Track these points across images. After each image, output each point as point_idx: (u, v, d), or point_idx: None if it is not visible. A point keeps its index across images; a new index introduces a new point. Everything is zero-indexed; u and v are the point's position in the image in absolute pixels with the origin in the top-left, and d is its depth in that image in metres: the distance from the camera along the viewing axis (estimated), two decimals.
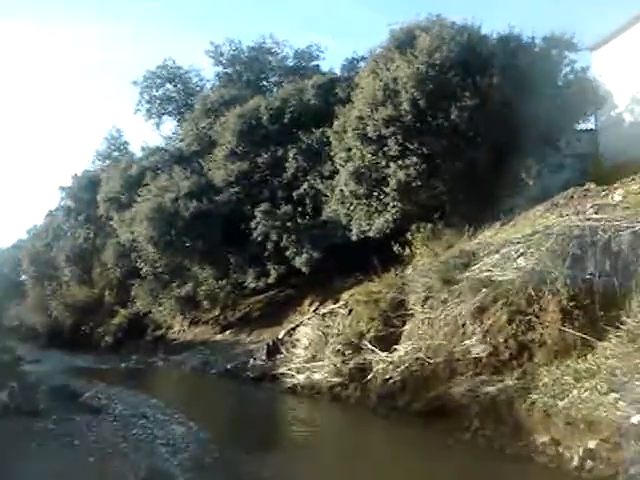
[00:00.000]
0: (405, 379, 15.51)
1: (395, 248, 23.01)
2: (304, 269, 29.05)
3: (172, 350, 34.95)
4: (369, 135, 22.84)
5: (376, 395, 16.29)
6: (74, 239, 48.83)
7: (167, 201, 33.18)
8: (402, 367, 15.62)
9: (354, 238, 25.65)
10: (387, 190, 23.00)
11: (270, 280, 30.81)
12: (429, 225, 23.05)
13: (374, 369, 16.91)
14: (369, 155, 23.21)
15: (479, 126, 22.03)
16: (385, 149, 22.67)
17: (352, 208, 25.37)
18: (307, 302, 30.71)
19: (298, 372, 20.49)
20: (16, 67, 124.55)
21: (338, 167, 26.16)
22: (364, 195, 24.24)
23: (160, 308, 37.29)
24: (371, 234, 24.80)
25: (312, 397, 19.28)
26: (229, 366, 25.88)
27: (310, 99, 31.80)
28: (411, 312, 17.06)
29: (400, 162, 22.35)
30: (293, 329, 23.65)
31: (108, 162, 47.59)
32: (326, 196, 28.54)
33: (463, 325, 14.56)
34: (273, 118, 32.36)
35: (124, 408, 17.31)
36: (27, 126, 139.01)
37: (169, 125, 54.56)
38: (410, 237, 23.23)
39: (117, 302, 43.89)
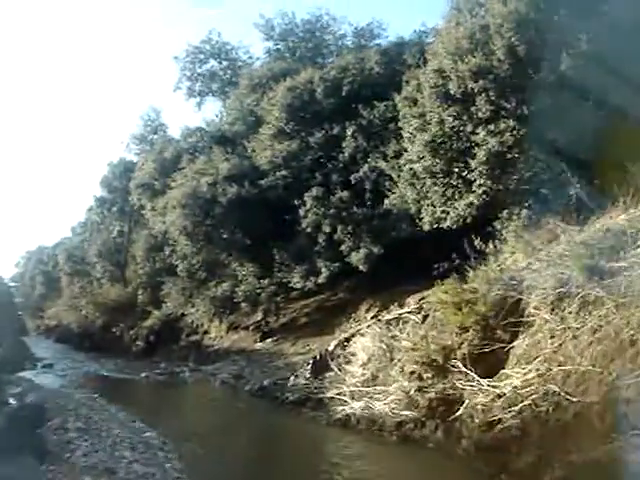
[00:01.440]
0: (526, 424, 10.41)
1: (477, 242, 18.11)
2: (362, 267, 24.49)
3: (205, 359, 30.62)
4: (451, 92, 18.02)
5: (472, 443, 11.25)
6: (107, 233, 45.12)
7: (203, 185, 29.19)
8: (520, 404, 10.48)
9: (426, 227, 20.80)
10: (473, 164, 18.04)
11: (320, 280, 26.18)
12: (524, 211, 18.00)
13: (468, 402, 11.88)
14: (450, 119, 18.40)
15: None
16: (472, 110, 17.83)
17: (425, 190, 20.47)
18: (364, 307, 26.11)
19: (353, 398, 15.60)
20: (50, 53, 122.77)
21: (407, 143, 21.54)
22: (442, 172, 19.38)
23: (193, 310, 32.88)
24: (448, 223, 19.95)
25: (372, 434, 14.31)
26: (266, 382, 21.19)
27: (373, 68, 27.56)
28: (529, 320, 11.91)
29: (491, 126, 17.42)
30: (347, 340, 18.79)
31: (144, 146, 43.51)
32: (390, 180, 24.11)
33: (633, 342, 9.33)
34: (329, 91, 28.32)
35: (93, 449, 12.42)
36: (71, 117, 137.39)
37: (212, 107, 50.01)
38: (499, 227, 18.23)
39: (150, 302, 39.72)
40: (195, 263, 32.15)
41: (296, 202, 26.83)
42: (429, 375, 13.02)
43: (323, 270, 25.94)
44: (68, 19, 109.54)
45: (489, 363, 12.11)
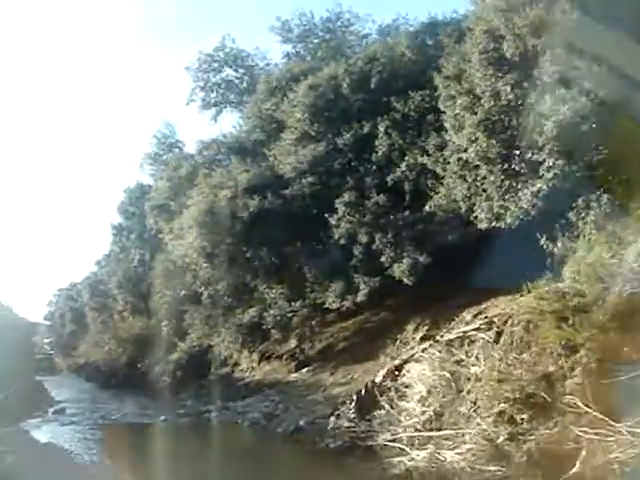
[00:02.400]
0: None
1: (543, 241, 15.01)
2: (406, 280, 21.31)
3: (234, 394, 27.51)
4: (507, 56, 14.73)
5: None
6: (128, 262, 42.32)
7: (221, 200, 26.33)
8: None
9: (483, 226, 17.50)
10: (540, 141, 14.65)
11: (359, 298, 22.96)
12: (604, 196, 14.69)
13: (592, 456, 8.37)
14: (507, 89, 15.15)
15: None
16: (534, 75, 14.45)
17: (479, 182, 17.20)
18: (411, 327, 22.98)
19: (413, 445, 12.21)
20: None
21: (452, 132, 18.54)
22: (499, 157, 16.10)
23: (219, 340, 29.73)
24: (508, 220, 16.68)
25: None
26: (302, 422, 17.97)
27: (404, 54, 24.70)
28: None
29: (561, 91, 14.06)
30: (398, 368, 15.39)
31: (159, 166, 40.63)
32: (434, 177, 21.09)
33: None
34: (355, 85, 25.54)
35: None
36: (88, 145, 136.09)
37: (230, 119, 46.85)
38: (574, 218, 14.93)
39: (175, 334, 36.59)
40: (219, 288, 29.07)
41: (326, 212, 23.76)
42: (524, 416, 9.57)
43: (362, 287, 22.71)
44: (74, 34, 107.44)
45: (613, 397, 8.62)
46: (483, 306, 18.17)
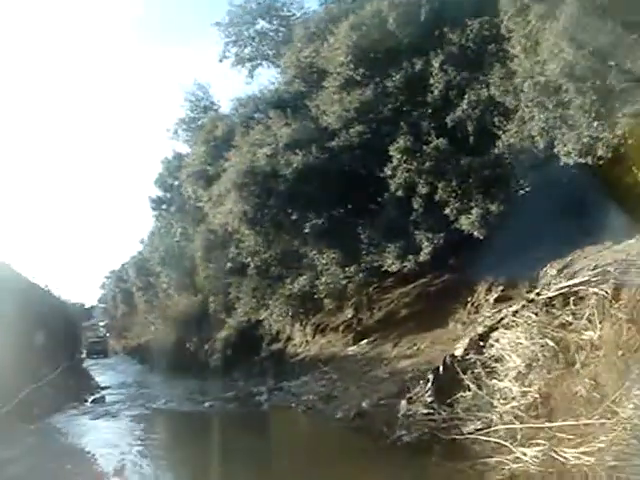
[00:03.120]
0: None
1: None
2: (477, 232, 18.71)
3: (288, 372, 25.51)
4: None
5: None
6: (170, 237, 40.25)
7: (261, 159, 23.99)
8: None
9: (569, 160, 14.78)
10: None
11: (422, 257, 20.33)
12: None
13: None
14: None
15: None
16: None
17: (563, 107, 14.34)
18: (482, 288, 20.23)
19: (514, 438, 9.46)
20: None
21: (522, 54, 15.67)
22: (591, 72, 13.13)
23: (266, 313, 27.44)
24: (599, 152, 13.98)
25: None
26: (365, 405, 15.43)
27: None
28: None
29: None
30: (483, 337, 12.56)
31: (195, 131, 38.11)
32: (502, 113, 18.23)
33: None
34: (403, 19, 22.48)
35: None
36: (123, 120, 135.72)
37: (267, 76, 43.74)
38: None
39: (223, 310, 34.60)
40: (265, 257, 26.81)
41: (378, 164, 21.23)
42: None
43: (424, 244, 20.09)
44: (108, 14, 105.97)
45: None
46: (568, 258, 15.40)
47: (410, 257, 20.65)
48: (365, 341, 23.89)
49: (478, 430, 10.49)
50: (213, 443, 14.71)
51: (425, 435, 12.11)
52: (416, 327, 21.94)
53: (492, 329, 12.47)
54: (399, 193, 20.41)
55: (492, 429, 10.25)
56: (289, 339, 30.74)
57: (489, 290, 19.77)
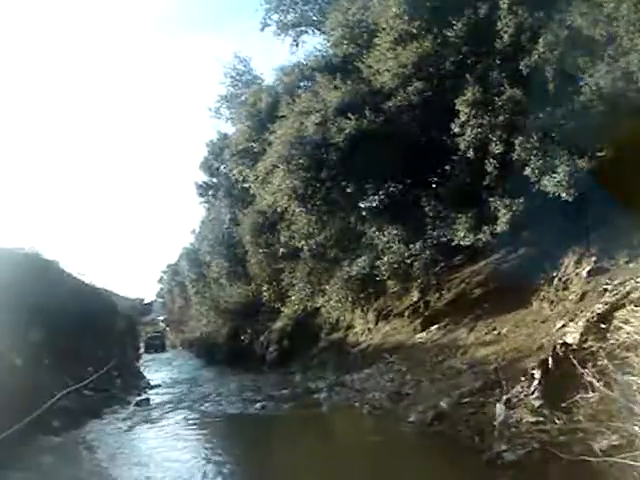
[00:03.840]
0: None
1: None
2: (564, 194, 15.97)
3: (349, 363, 23.14)
4: None
5: None
6: (219, 223, 38.30)
7: (309, 127, 21.87)
8: None
9: None
10: None
11: (499, 227, 17.69)
12: None
13: None
14: None
15: None
16: None
17: None
18: (570, 261, 17.48)
19: None
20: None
21: None
22: None
23: (323, 299, 25.11)
24: None
25: None
26: (444, 404, 12.82)
27: None
28: None
29: None
30: (604, 317, 9.71)
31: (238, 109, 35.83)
32: (588, 52, 15.42)
33: None
34: None
35: None
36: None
37: (313, 42, 40.83)
38: None
39: (278, 298, 32.44)
40: (319, 238, 24.51)
41: (442, 122, 18.72)
42: None
43: (501, 212, 17.43)
44: None
45: None
46: None
47: (485, 228, 18.04)
48: (435, 327, 21.31)
49: (614, 447, 7.71)
50: (261, 460, 12.29)
51: (535, 452, 9.09)
52: (493, 309, 19.29)
53: (615, 307, 9.65)
54: (469, 154, 17.83)
55: (635, 444, 7.51)
56: (349, 327, 28.36)
57: (578, 262, 17.02)
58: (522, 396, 10.39)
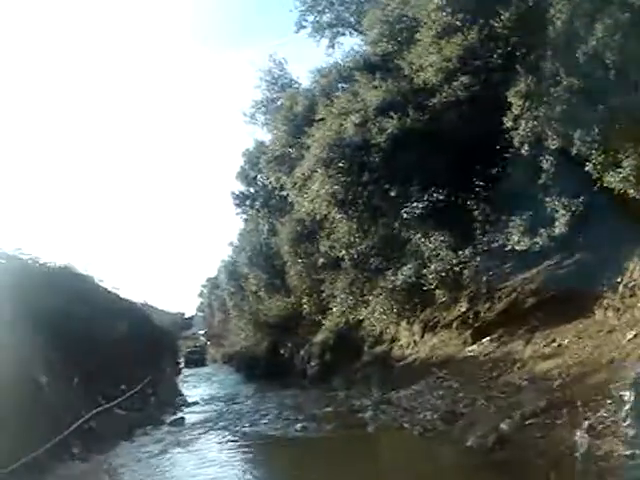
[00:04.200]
0: None
1: None
2: (633, 190, 14.42)
3: (395, 379, 21.78)
4: None
5: None
6: (257, 234, 37.45)
7: (349, 128, 20.99)
8: None
9: None
10: None
11: (558, 229, 16.46)
12: None
13: None
14: None
15: None
16: None
17: None
18: (635, 265, 16.04)
19: None
20: None
21: None
22: None
23: (366, 311, 23.96)
24: None
25: None
26: (505, 426, 11.42)
27: None
28: None
29: None
30: None
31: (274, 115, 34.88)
32: None
33: None
34: None
35: None
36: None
37: (350, 44, 39.69)
38: None
39: (319, 311, 31.43)
40: (361, 246, 23.44)
41: (491, 118, 17.43)
42: None
43: (559, 213, 16.13)
44: None
45: None
46: None
47: (542, 231, 16.71)
48: (487, 339, 19.91)
49: None
50: None
51: None
52: (549, 319, 17.83)
53: None
54: (523, 150, 16.49)
55: None
56: (394, 340, 27.04)
57: None
58: (609, 422, 8.83)
